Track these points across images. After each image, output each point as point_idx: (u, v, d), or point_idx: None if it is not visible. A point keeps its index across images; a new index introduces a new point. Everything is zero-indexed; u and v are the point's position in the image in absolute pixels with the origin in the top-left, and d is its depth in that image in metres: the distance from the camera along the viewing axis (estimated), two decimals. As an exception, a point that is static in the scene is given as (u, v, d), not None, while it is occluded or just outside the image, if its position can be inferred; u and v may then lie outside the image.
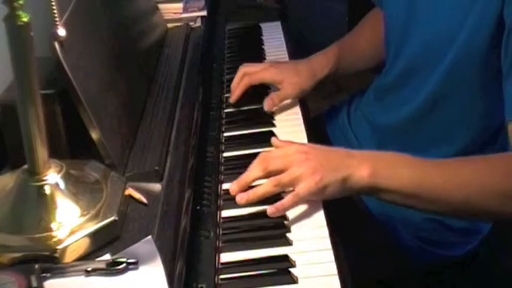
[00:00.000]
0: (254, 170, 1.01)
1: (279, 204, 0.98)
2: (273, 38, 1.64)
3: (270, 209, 0.99)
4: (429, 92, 1.19)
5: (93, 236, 0.83)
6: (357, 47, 1.44)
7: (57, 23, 0.86)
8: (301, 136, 1.21)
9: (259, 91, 1.32)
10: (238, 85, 1.30)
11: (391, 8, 1.28)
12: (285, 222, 0.99)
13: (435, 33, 1.15)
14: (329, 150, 1.04)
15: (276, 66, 1.33)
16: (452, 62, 1.13)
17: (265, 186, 0.99)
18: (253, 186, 1.01)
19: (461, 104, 1.17)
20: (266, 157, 1.02)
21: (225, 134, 1.23)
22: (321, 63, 1.36)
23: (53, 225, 0.82)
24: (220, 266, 0.91)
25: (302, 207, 1.02)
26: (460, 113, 1.18)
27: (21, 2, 0.74)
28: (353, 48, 1.43)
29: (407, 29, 1.22)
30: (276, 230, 0.98)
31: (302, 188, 0.97)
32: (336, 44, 1.43)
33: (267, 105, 1.27)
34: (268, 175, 1.00)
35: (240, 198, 1.00)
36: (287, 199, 0.98)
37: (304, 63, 1.35)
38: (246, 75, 1.30)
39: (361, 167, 0.98)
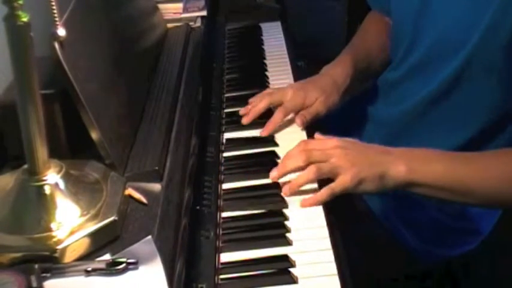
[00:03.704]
0: (295, 159, 1.04)
1: (313, 198, 1.02)
2: (273, 38, 1.64)
3: (304, 201, 1.03)
4: (441, 82, 1.18)
5: (93, 236, 0.83)
6: (370, 53, 1.41)
7: (57, 23, 0.86)
8: (301, 138, 1.20)
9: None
10: (259, 109, 1.25)
11: (401, 5, 1.28)
12: (285, 222, 0.99)
13: (455, 22, 1.14)
14: (367, 147, 1.09)
15: (301, 88, 1.27)
16: (473, 50, 1.12)
17: (305, 175, 1.03)
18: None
19: (476, 91, 1.16)
20: (306, 148, 1.05)
21: (225, 135, 1.23)
22: (340, 74, 1.32)
23: (53, 225, 0.82)
24: (220, 266, 0.91)
25: (302, 208, 1.02)
26: (474, 100, 1.17)
27: (21, 2, 0.74)
28: (366, 54, 1.40)
29: (421, 22, 1.21)
30: (276, 230, 0.98)
31: (337, 183, 1.01)
32: (347, 51, 1.39)
33: (299, 122, 1.23)
34: (307, 165, 1.03)
35: (285, 191, 1.04)
36: (322, 193, 1.02)
37: (324, 78, 1.31)
38: (276, 105, 1.25)
39: (398, 163, 1.03)
